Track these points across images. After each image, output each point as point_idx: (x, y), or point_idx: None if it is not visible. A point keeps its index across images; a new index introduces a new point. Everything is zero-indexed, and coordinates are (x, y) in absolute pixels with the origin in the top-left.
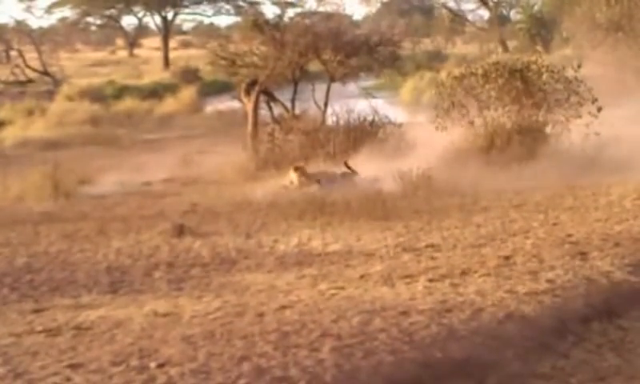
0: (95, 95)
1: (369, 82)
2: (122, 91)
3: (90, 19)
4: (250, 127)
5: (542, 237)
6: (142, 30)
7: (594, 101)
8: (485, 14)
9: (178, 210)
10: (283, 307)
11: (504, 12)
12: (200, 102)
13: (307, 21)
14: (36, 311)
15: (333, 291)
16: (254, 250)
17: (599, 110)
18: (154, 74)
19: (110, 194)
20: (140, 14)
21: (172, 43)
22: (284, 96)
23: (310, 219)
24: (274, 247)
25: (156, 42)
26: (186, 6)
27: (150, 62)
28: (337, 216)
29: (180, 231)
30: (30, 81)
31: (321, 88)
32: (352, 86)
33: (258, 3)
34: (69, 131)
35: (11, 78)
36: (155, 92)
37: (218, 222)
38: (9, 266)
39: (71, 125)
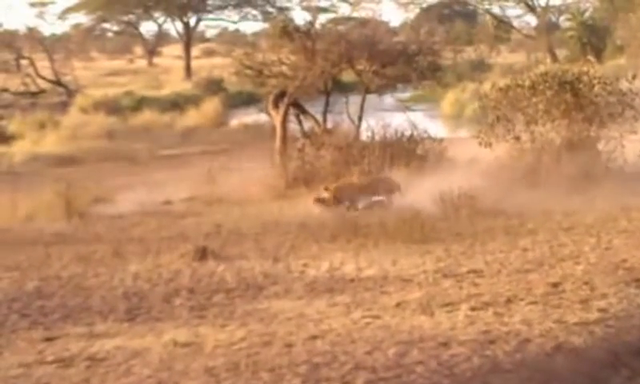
0: (111, 107)
1: (406, 93)
2: (140, 103)
3: (106, 25)
4: (278, 142)
5: (593, 262)
6: (162, 37)
7: None
8: (532, 20)
9: (201, 231)
10: (313, 337)
11: (553, 18)
12: (224, 115)
13: (340, 28)
14: (47, 340)
15: (367, 320)
16: (283, 275)
17: None
18: (175, 84)
19: (126, 213)
20: (160, 20)
21: (194, 51)
22: (315, 109)
23: (342, 242)
24: (304, 272)
25: (177, 49)
26: (210, 12)
27: (170, 72)
28: (371, 238)
29: (202, 254)
30: (42, 91)
31: (355, 100)
32: (388, 98)
33: (287, 9)
34: (83, 146)
35: (22, 89)
36: (176, 104)
37: (244, 245)
38: (18, 290)
39: (85, 139)
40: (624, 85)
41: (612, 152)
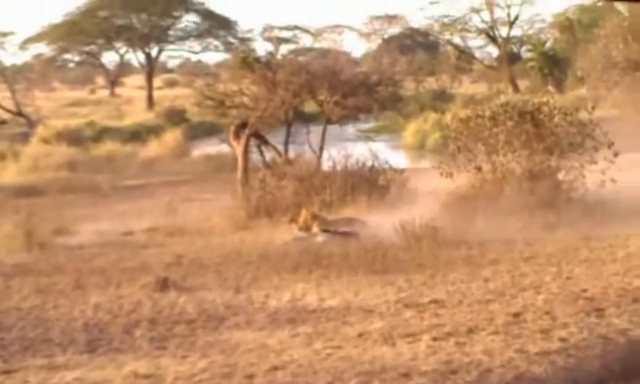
0: (73, 138)
1: (368, 124)
2: (102, 133)
3: (67, 56)
4: (239, 173)
5: (554, 292)
6: (123, 68)
7: (611, 145)
8: (493, 51)
9: (162, 262)
10: (275, 368)
11: (514, 49)
12: (186, 146)
13: (302, 58)
14: (6, 372)
15: (329, 351)
16: (244, 306)
17: (616, 155)
18: (137, 114)
19: (88, 244)
20: (122, 51)
21: (156, 82)
22: (277, 139)
23: (304, 272)
24: (266, 303)
25: (139, 80)
26: (172, 42)
27: (132, 102)
28: (333, 269)
29: (164, 285)
30: (3, 122)
31: (316, 130)
32: (350, 129)
33: (249, 39)
34: (44, 177)
35: None
36: (138, 134)
37: (205, 276)
38: None
39: (47, 170)
40: (584, 115)
41: (573, 182)
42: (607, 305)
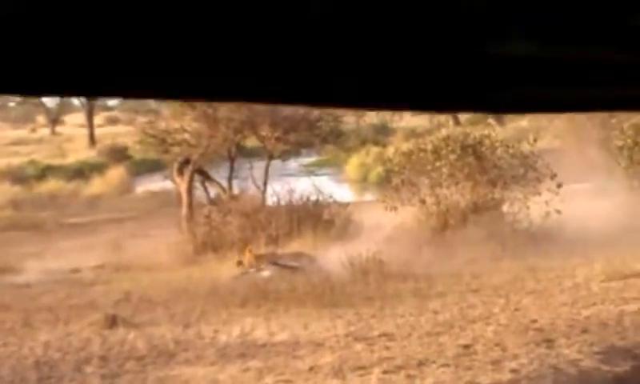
0: (16, 176)
1: (311, 158)
2: (45, 171)
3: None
4: (184, 209)
5: (503, 323)
6: (64, 106)
7: (553, 176)
8: None
9: (110, 298)
10: None
11: None
12: (130, 182)
13: None
14: None
15: None
16: (194, 342)
17: (559, 186)
18: (79, 152)
19: (34, 282)
20: None
21: (97, 119)
22: (220, 175)
23: (252, 307)
24: (215, 338)
25: (80, 118)
26: None
27: (73, 140)
28: (282, 303)
29: (112, 322)
30: None
31: (259, 165)
32: (292, 163)
33: None
34: None
35: None
36: (81, 172)
37: (154, 312)
38: None
39: None
40: (526, 147)
41: (517, 213)
42: (557, 335)
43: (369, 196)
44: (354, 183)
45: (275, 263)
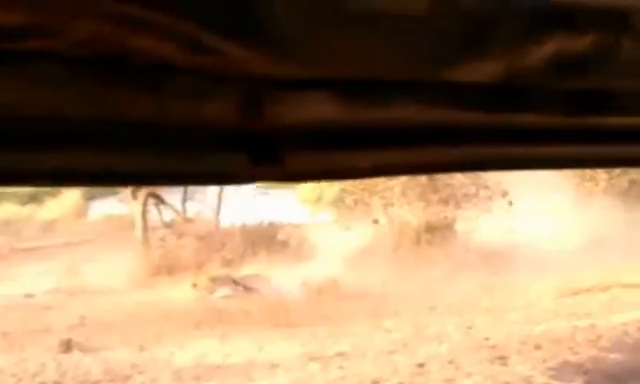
0: None
1: None
2: None
3: None
4: (139, 232)
5: (457, 341)
6: None
7: (505, 194)
8: None
9: (65, 323)
10: None
11: None
12: (85, 206)
13: None
14: None
15: None
16: (149, 365)
17: (510, 204)
18: None
19: None
20: None
21: None
22: (174, 198)
23: (207, 329)
24: (170, 360)
25: None
26: None
27: None
28: (237, 325)
29: (68, 346)
30: None
31: (214, 188)
32: (247, 185)
33: None
34: None
35: None
36: (36, 196)
37: (109, 335)
38: None
39: None
40: None
41: (470, 232)
42: (510, 352)
43: (323, 216)
44: (309, 204)
45: (229, 285)
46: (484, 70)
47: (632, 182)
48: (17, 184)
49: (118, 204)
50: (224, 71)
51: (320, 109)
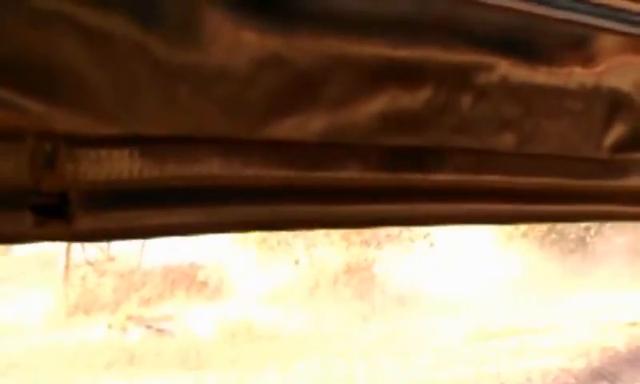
0: None
1: None
2: None
3: None
4: (61, 270)
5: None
6: None
7: (426, 236)
8: None
9: None
10: None
11: None
12: None
13: None
14: None
15: None
16: None
17: (432, 245)
18: None
19: None
20: None
21: None
22: None
23: (118, 370)
24: None
25: None
26: None
27: None
28: (147, 367)
29: None
30: None
31: None
32: None
33: None
34: None
35: None
36: None
37: (19, 377)
38: None
39: None
40: None
41: (388, 274)
42: None
43: (247, 255)
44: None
45: (144, 325)
46: (307, 127)
47: (551, 228)
48: None
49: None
50: (20, 127)
51: (121, 166)
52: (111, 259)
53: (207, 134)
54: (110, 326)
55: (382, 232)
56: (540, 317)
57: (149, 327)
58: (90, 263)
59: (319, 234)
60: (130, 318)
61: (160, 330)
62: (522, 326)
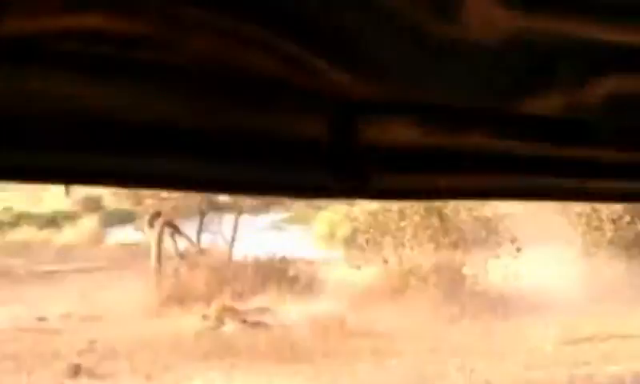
0: None
1: (280, 214)
2: (19, 219)
3: None
4: (153, 261)
5: (458, 383)
6: None
7: (514, 240)
8: None
9: (75, 348)
10: None
11: None
12: (102, 233)
13: None
14: None
15: None
16: None
17: (518, 250)
18: (55, 200)
19: (0, 329)
20: None
21: None
22: (190, 228)
23: (215, 361)
24: None
25: None
26: None
27: (50, 188)
28: (244, 358)
29: (76, 372)
30: None
31: (229, 220)
32: (262, 219)
33: None
34: None
35: None
36: (54, 220)
37: (117, 363)
38: None
39: None
40: (489, 210)
41: (476, 276)
42: None
43: (335, 253)
44: (322, 240)
45: (237, 318)
46: (547, 104)
47: (638, 234)
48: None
49: (134, 232)
50: (323, 91)
51: (404, 132)
52: (202, 252)
53: (471, 105)
54: (204, 318)
55: (470, 235)
56: (629, 323)
57: (243, 320)
58: (181, 256)
59: (408, 235)
60: (225, 309)
61: (255, 323)
62: (612, 331)
